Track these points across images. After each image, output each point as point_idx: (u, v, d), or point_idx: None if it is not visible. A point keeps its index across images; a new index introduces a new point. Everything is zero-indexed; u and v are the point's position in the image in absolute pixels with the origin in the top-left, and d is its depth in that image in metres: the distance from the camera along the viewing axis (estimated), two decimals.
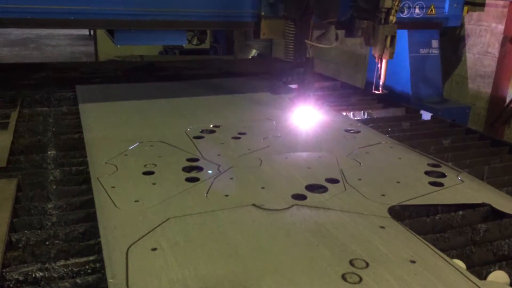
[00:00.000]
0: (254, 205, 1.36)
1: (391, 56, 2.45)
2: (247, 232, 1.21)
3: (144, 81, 2.95)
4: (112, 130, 1.99)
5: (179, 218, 1.26)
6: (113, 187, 1.43)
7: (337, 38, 2.20)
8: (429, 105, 2.95)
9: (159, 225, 1.22)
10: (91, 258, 1.09)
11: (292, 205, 1.37)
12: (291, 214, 1.31)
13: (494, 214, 1.39)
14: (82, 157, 1.71)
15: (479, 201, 1.44)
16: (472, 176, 1.63)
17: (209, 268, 1.05)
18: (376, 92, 2.58)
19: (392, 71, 2.99)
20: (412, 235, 1.21)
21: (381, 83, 2.55)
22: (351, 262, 1.08)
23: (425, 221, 1.34)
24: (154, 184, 1.48)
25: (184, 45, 5.90)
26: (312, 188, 1.50)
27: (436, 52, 3.10)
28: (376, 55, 2.45)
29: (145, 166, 1.61)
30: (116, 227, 1.20)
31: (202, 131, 2.01)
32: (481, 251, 1.21)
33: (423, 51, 3.07)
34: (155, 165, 1.63)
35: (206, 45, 6.15)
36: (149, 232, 1.18)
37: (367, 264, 1.08)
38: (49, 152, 1.77)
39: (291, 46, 2.32)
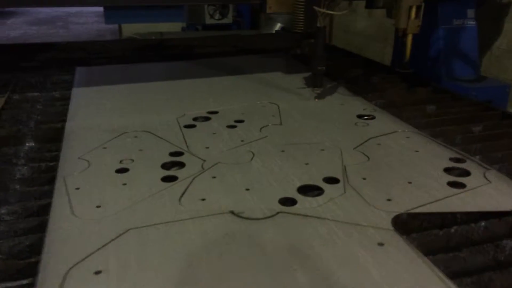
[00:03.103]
0: (232, 212, 1.16)
1: (416, 29, 2.16)
2: (216, 249, 1.01)
3: (151, 61, 2.78)
4: (99, 118, 1.83)
5: (141, 229, 1.08)
6: (77, 188, 1.27)
7: (350, 4, 1.96)
8: (463, 84, 2.63)
9: (115, 238, 1.05)
10: (24, 282, 0.93)
11: (277, 213, 1.16)
12: (273, 225, 1.11)
13: None
14: (57, 151, 1.55)
15: (507, 209, 1.18)
16: (502, 174, 1.37)
17: None
18: (399, 70, 2.30)
19: (420, 45, 2.69)
20: (416, 256, 0.99)
21: (405, 60, 2.28)
22: None
23: (437, 235, 1.11)
24: (124, 184, 1.30)
25: (205, 21, 5.72)
26: (305, 190, 1.28)
27: (472, 23, 2.75)
28: (399, 29, 2.17)
29: (121, 162, 1.44)
30: (65, 241, 1.03)
31: (195, 119, 1.82)
32: (504, 277, 0.97)
33: (457, 22, 2.74)
34: (132, 160, 1.45)
35: (229, 19, 5.91)
36: (99, 249, 1.01)
37: None
38: (26, 144, 1.63)
39: (300, 16, 2.10)
